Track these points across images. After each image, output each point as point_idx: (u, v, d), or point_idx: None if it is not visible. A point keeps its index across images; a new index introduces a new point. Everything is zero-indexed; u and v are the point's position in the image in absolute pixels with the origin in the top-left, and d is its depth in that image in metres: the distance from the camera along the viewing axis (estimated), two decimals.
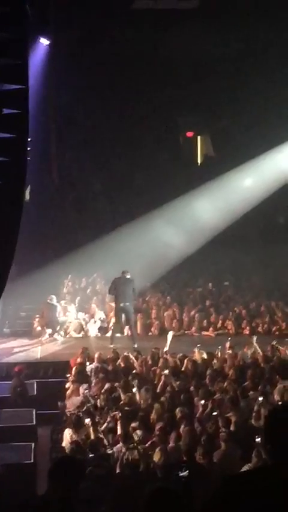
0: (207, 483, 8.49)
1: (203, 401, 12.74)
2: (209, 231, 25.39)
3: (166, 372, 14.61)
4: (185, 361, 15.54)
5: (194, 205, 26.08)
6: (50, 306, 20.38)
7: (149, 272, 23.85)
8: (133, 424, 12.01)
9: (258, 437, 10.18)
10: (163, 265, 24.27)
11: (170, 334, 17.45)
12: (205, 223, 25.59)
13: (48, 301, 20.39)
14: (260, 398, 12.50)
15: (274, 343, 16.84)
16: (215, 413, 12.16)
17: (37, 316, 20.69)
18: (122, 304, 19.05)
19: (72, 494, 5.58)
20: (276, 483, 3.62)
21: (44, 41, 24.17)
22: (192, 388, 13.76)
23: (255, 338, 16.88)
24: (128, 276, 19.16)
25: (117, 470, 10.39)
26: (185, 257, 24.64)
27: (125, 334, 19.64)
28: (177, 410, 12.45)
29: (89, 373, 15.47)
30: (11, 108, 7.61)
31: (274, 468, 3.75)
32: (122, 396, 13.58)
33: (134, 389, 13.77)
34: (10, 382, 15.95)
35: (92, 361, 16.15)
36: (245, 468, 9.33)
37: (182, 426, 11.47)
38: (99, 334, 20.41)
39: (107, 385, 14.31)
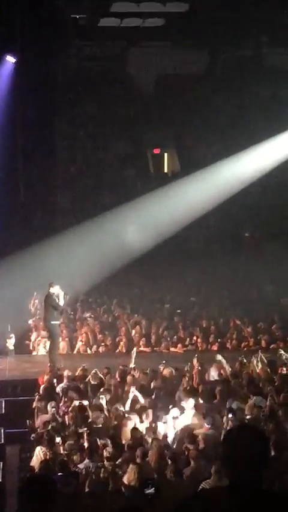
0: (176, 500, 8.47)
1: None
2: (175, 246, 25.46)
3: (133, 388, 14.59)
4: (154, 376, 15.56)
5: (159, 219, 26.07)
6: None
7: (115, 288, 23.85)
8: (102, 442, 11.98)
9: None
10: (130, 281, 24.25)
11: (134, 351, 17.44)
12: (169, 237, 25.62)
13: None
14: (230, 416, 12.51)
15: (240, 358, 16.86)
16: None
17: (11, 335, 20.45)
18: (43, 322, 18.72)
19: None
20: (226, 507, 3.75)
21: (11, 59, 24.21)
22: (160, 404, 13.76)
23: (218, 355, 16.91)
24: (52, 291, 17.77)
25: (86, 489, 10.33)
26: (152, 273, 24.67)
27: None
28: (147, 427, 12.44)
29: (59, 391, 15.38)
30: None
31: (228, 490, 3.86)
32: (91, 413, 13.54)
33: (104, 407, 13.75)
34: None
35: (59, 378, 16.06)
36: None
37: (152, 444, 11.45)
38: (63, 352, 20.27)
39: (75, 403, 14.25)
